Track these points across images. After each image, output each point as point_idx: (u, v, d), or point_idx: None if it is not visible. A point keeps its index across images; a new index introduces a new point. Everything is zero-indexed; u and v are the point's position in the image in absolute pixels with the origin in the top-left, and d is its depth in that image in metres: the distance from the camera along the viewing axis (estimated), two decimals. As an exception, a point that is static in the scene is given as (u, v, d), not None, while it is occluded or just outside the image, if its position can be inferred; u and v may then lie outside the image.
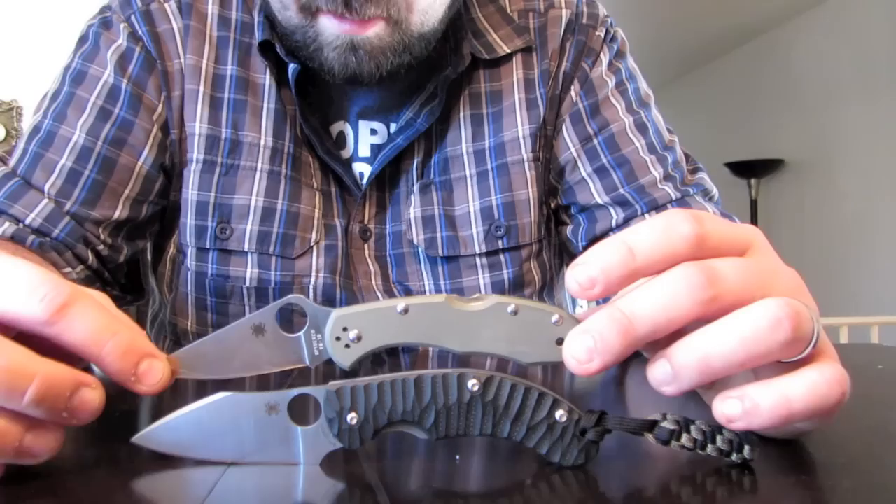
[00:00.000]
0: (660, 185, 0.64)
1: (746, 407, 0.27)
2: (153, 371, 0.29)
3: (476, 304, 0.28)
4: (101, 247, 0.62)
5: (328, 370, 0.57)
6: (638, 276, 0.27)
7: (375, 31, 0.55)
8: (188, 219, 0.64)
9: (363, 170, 0.67)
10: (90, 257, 0.61)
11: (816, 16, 3.51)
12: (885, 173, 3.12)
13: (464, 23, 0.67)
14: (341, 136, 0.67)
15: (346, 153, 0.67)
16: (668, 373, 0.28)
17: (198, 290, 0.65)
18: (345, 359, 0.28)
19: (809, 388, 0.27)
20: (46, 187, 0.60)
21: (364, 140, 0.67)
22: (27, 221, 0.59)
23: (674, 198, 0.64)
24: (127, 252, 0.65)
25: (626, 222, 0.64)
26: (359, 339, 0.28)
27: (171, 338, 0.69)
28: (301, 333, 0.29)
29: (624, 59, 0.70)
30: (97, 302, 0.28)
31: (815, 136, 3.52)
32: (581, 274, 0.27)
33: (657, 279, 0.27)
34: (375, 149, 0.67)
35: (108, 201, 0.62)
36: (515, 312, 0.28)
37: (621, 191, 0.65)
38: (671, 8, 3.49)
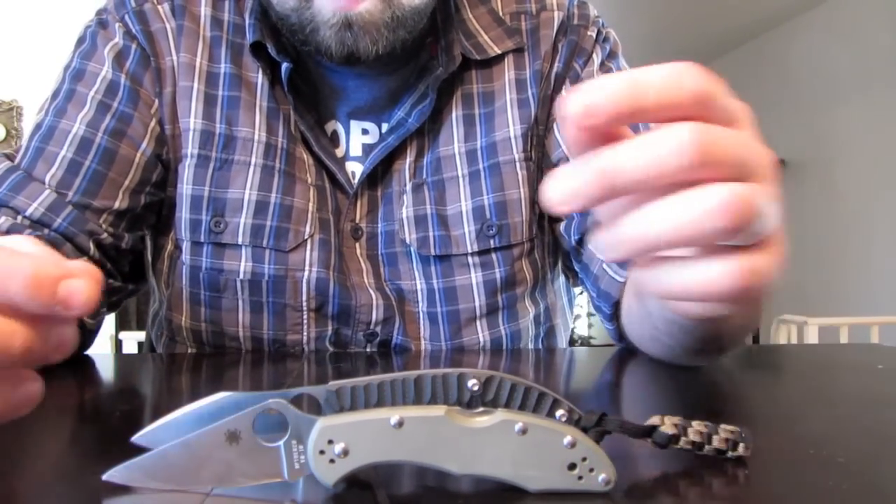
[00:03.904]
0: None
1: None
2: (75, 290, 0.25)
3: (480, 420, 0.25)
4: (104, 235, 0.62)
5: (321, 373, 0.57)
6: (641, 118, 0.25)
7: (367, 6, 0.57)
8: (183, 213, 0.65)
9: (355, 169, 0.67)
10: (91, 247, 0.61)
11: (815, 16, 3.51)
12: (884, 173, 3.12)
13: (455, 23, 0.67)
14: (334, 135, 0.68)
15: (340, 152, 0.68)
16: (609, 240, 0.27)
17: (192, 285, 0.65)
18: (328, 475, 0.25)
19: (720, 274, 0.26)
20: (47, 179, 0.61)
21: (356, 139, 0.68)
22: (28, 212, 0.59)
23: None
24: (128, 241, 0.65)
25: None
26: (345, 453, 0.25)
27: (167, 334, 0.69)
28: (281, 443, 0.26)
29: (616, 59, 0.71)
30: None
31: (814, 136, 3.52)
32: (579, 101, 0.24)
33: (650, 135, 0.25)
34: (367, 148, 0.68)
35: (108, 191, 0.62)
36: (524, 431, 0.25)
37: None
38: (671, 9, 3.50)
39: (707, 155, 0.25)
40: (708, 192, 0.25)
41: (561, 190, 0.26)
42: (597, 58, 0.69)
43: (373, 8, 0.57)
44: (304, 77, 0.66)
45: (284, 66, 0.62)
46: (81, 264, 0.26)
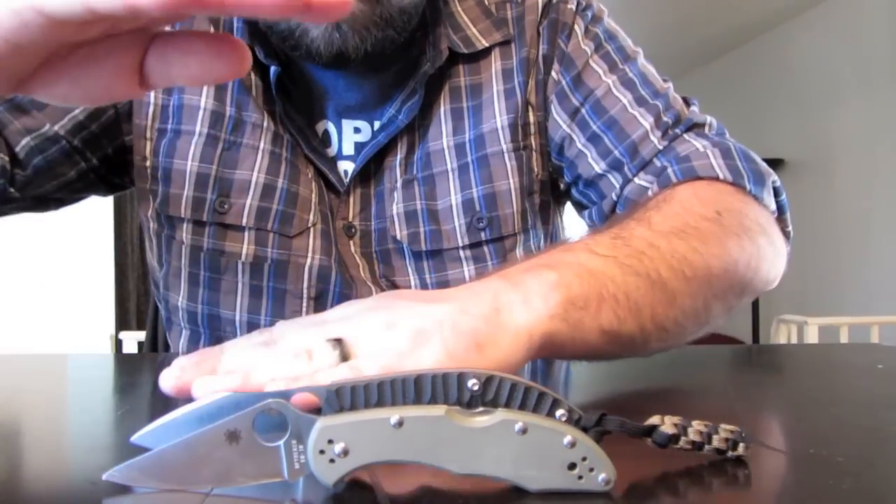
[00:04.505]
0: (650, 138, 0.63)
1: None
2: None
3: (480, 420, 0.26)
4: (17, 148, 0.61)
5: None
6: None
7: (356, 5, 0.57)
8: (185, 190, 0.64)
9: (348, 167, 0.67)
10: (21, 143, 0.61)
11: (816, 15, 3.51)
12: (884, 173, 3.12)
13: (443, 17, 0.67)
14: (326, 134, 0.68)
15: (332, 151, 0.68)
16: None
17: (192, 265, 0.65)
18: (328, 475, 0.25)
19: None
20: None
21: (348, 138, 0.68)
22: None
23: (660, 148, 0.63)
24: (47, 173, 0.64)
25: (622, 191, 0.64)
26: (345, 453, 0.25)
27: (164, 313, 0.69)
28: (281, 443, 0.26)
29: (600, 23, 0.69)
30: None
31: (814, 135, 3.52)
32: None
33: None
34: (359, 147, 0.67)
35: (55, 110, 0.61)
36: (524, 431, 0.25)
37: (615, 153, 0.64)
38: (671, 8, 3.50)
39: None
40: None
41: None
42: (579, 29, 0.68)
43: (363, 7, 0.57)
44: (294, 78, 0.66)
45: (272, 69, 0.62)
46: None
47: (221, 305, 0.65)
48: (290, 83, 0.65)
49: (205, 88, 0.64)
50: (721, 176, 0.58)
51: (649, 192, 0.60)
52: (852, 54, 3.27)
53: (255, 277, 0.64)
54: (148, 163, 0.65)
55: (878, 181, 3.16)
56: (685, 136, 0.64)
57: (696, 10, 3.51)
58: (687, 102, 0.68)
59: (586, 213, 0.69)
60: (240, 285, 0.65)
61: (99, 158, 0.66)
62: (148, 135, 0.65)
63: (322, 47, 0.58)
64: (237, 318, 0.65)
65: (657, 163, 0.63)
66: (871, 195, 3.20)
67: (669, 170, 0.60)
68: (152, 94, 0.64)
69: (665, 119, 0.64)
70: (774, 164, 3.63)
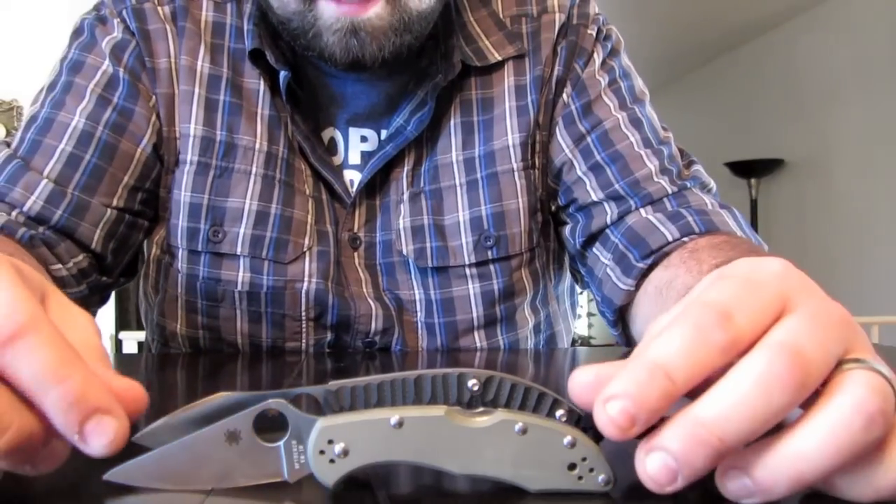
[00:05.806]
0: (655, 179, 0.63)
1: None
2: (101, 430, 0.23)
3: (480, 420, 0.25)
4: (104, 231, 0.62)
5: (320, 372, 0.57)
6: (675, 400, 0.23)
7: (375, 10, 0.55)
8: (180, 221, 0.63)
9: (353, 177, 0.66)
10: (94, 240, 0.61)
11: (817, 16, 3.51)
12: (884, 173, 3.12)
13: (455, 28, 0.66)
14: (332, 142, 0.67)
15: (338, 160, 0.67)
16: (748, 488, 0.23)
17: (188, 293, 0.65)
18: (328, 476, 0.25)
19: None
20: (45, 172, 0.59)
21: (354, 147, 0.67)
22: (26, 207, 0.58)
23: (670, 192, 0.62)
24: (126, 239, 0.65)
25: (620, 218, 0.63)
26: (345, 453, 0.25)
27: (159, 340, 0.69)
28: (281, 443, 0.26)
29: (617, 58, 0.69)
30: (56, 334, 0.24)
31: (815, 136, 3.52)
32: (617, 409, 0.23)
33: (740, 378, 0.22)
34: (366, 156, 0.66)
35: (108, 187, 0.61)
36: (524, 431, 0.25)
37: (615, 186, 0.63)
38: (671, 8, 3.50)
39: (807, 370, 0.22)
40: (846, 408, 0.22)
41: (665, 473, 0.23)
42: (598, 57, 0.68)
43: (382, 12, 0.56)
44: (303, 84, 0.65)
45: (282, 74, 0.61)
46: (129, 385, 0.25)
47: (222, 331, 0.65)
48: (299, 88, 0.65)
49: (194, 114, 0.64)
50: (739, 234, 0.58)
51: (665, 233, 0.58)
52: (852, 54, 3.27)
53: (252, 304, 0.64)
54: (162, 192, 0.66)
55: (877, 181, 3.16)
56: (694, 189, 0.63)
57: (697, 10, 3.51)
58: (685, 157, 0.67)
59: (567, 228, 0.68)
60: (238, 312, 0.64)
61: (154, 207, 0.67)
62: (165, 168, 0.65)
63: (338, 53, 0.57)
64: (238, 341, 0.65)
65: (668, 205, 0.62)
66: (871, 195, 3.20)
67: (690, 219, 0.58)
68: (165, 128, 0.64)
69: (669, 167, 0.64)
70: (774, 164, 3.64)
